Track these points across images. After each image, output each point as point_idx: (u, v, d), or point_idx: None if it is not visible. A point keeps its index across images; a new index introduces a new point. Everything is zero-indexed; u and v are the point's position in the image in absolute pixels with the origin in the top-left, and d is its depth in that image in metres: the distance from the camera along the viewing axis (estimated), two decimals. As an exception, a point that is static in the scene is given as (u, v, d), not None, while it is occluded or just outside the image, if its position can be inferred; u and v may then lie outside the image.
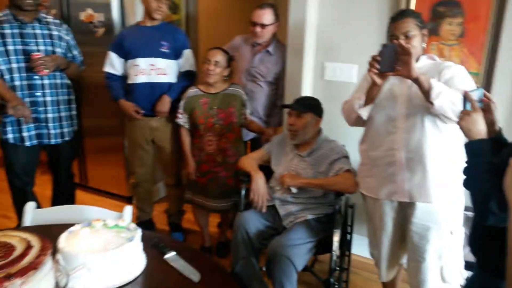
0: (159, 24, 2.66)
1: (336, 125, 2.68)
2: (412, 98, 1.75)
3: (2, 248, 0.97)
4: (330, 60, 2.67)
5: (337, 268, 2.11)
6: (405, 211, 1.86)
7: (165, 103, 2.65)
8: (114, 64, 2.67)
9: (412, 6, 2.32)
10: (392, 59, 1.65)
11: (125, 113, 2.68)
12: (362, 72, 2.57)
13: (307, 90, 2.73)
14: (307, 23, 2.56)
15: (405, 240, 1.92)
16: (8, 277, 0.88)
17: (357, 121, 1.94)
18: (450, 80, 1.70)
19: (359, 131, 2.63)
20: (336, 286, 2.12)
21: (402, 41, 1.63)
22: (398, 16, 1.78)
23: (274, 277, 1.91)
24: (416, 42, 1.74)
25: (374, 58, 1.68)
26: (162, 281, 1.28)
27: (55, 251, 1.22)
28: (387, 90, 1.82)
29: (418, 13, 1.84)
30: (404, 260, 2.04)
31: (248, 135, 2.88)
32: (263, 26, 2.62)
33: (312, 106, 2.20)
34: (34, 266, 0.93)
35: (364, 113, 1.87)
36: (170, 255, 1.37)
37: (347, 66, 2.61)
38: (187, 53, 2.74)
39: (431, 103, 1.61)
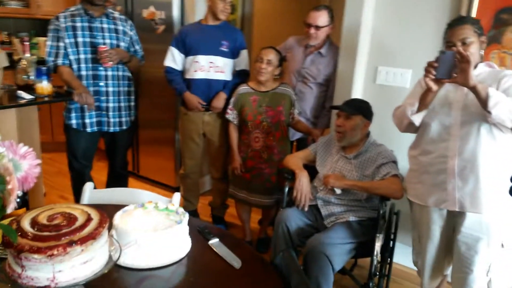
0: (221, 24, 2.75)
1: (386, 130, 2.64)
2: (468, 105, 1.71)
3: (66, 218, 1.06)
4: (383, 64, 2.64)
5: (377, 274, 2.09)
6: (454, 220, 1.82)
7: (221, 99, 2.75)
8: (175, 59, 2.78)
9: (474, 12, 2.25)
10: (449, 66, 1.62)
11: (190, 105, 2.78)
12: (416, 78, 2.52)
13: (357, 94, 2.71)
14: (362, 26, 2.54)
15: (451, 250, 1.87)
16: (71, 243, 0.97)
17: (409, 127, 1.91)
18: (510, 89, 1.65)
19: (409, 137, 2.59)
20: (375, 292, 2.10)
21: (460, 48, 1.60)
22: (456, 22, 1.75)
23: (311, 273, 1.92)
24: (474, 49, 1.70)
25: (431, 64, 1.66)
26: (205, 265, 1.34)
27: (110, 227, 1.32)
28: (442, 96, 1.78)
29: (476, 19, 1.80)
30: (448, 271, 1.98)
31: (295, 135, 2.90)
32: (317, 28, 2.62)
33: (361, 109, 2.19)
34: (93, 236, 1.02)
35: (417, 119, 1.83)
36: (214, 241, 1.43)
37: (400, 71, 2.57)
38: (244, 53, 2.82)
39: (489, 112, 1.57)
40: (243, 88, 2.67)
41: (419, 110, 1.81)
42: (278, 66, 2.60)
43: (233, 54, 2.79)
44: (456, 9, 2.32)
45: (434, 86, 1.68)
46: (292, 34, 3.01)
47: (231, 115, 2.69)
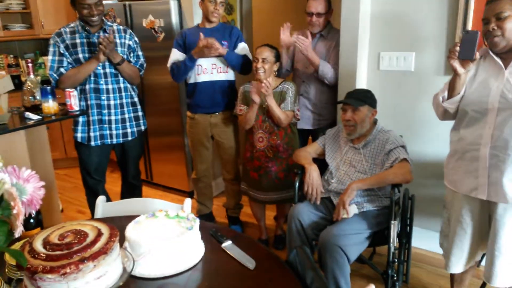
0: (217, 26, 2.77)
1: (394, 116, 2.63)
2: (506, 92, 1.63)
3: (77, 235, 1.08)
4: (385, 49, 2.61)
5: (395, 261, 2.08)
6: (489, 207, 1.78)
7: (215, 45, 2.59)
8: (178, 59, 2.77)
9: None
10: (473, 46, 1.58)
11: (200, 52, 2.61)
12: (420, 60, 2.49)
13: (362, 82, 2.69)
14: (361, 12, 2.51)
15: (485, 237, 1.84)
16: (82, 260, 0.99)
17: (445, 115, 1.86)
18: None
19: (416, 123, 2.57)
20: (395, 278, 2.08)
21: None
22: None
23: (326, 267, 1.91)
24: (511, 24, 1.58)
25: (455, 45, 1.62)
26: (219, 268, 1.35)
27: (123, 240, 1.34)
28: (480, 82, 1.72)
29: None
30: (478, 257, 1.95)
31: (307, 124, 2.88)
32: (318, 15, 2.67)
33: (367, 98, 2.17)
34: (104, 251, 1.03)
35: (450, 106, 1.78)
36: (227, 243, 1.44)
37: (403, 54, 2.54)
38: (242, 45, 2.82)
39: None
40: (247, 86, 2.67)
41: (450, 96, 1.76)
42: (276, 62, 2.59)
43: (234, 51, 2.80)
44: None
45: (460, 68, 1.64)
46: (292, 30, 3.00)
47: (244, 110, 2.68)
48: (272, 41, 2.85)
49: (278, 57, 2.62)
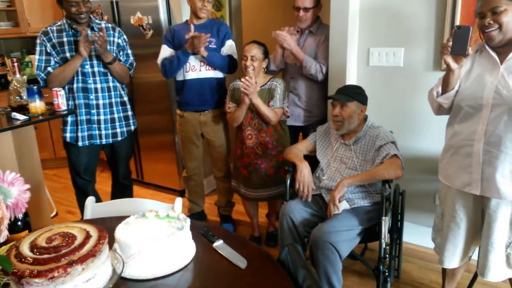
0: (206, 22, 2.75)
1: (384, 113, 2.64)
2: (500, 88, 1.63)
3: (65, 238, 1.06)
4: (375, 45, 2.62)
5: (387, 256, 2.09)
6: (482, 202, 1.79)
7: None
8: (167, 55, 2.75)
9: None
10: (465, 42, 1.58)
11: (191, 44, 2.57)
12: (409, 56, 2.50)
13: (351, 79, 2.69)
14: (350, 7, 2.51)
15: (475, 230, 1.85)
16: (71, 263, 0.97)
17: (440, 110, 1.86)
18: None
19: (406, 118, 2.59)
20: (386, 274, 2.09)
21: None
22: None
23: (318, 263, 1.92)
24: (507, 18, 1.58)
25: (447, 40, 1.62)
26: (211, 268, 1.34)
27: (113, 241, 1.32)
28: (475, 77, 1.72)
29: None
30: (471, 252, 1.96)
31: (296, 121, 2.87)
32: (306, 9, 2.65)
33: (356, 94, 2.17)
34: (93, 253, 1.02)
35: (444, 101, 1.78)
36: (218, 243, 1.43)
37: (393, 50, 2.55)
38: (229, 42, 2.79)
39: None
40: (236, 83, 2.65)
41: (444, 91, 1.76)
42: (264, 59, 2.57)
43: (221, 48, 2.78)
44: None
45: (453, 64, 1.64)
46: (280, 25, 2.98)
47: (232, 107, 2.66)
48: (262, 38, 2.84)
49: (266, 54, 2.60)
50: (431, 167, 2.56)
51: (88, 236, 1.07)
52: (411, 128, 2.59)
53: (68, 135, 2.58)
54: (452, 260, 1.93)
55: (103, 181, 3.64)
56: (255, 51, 2.52)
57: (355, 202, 2.10)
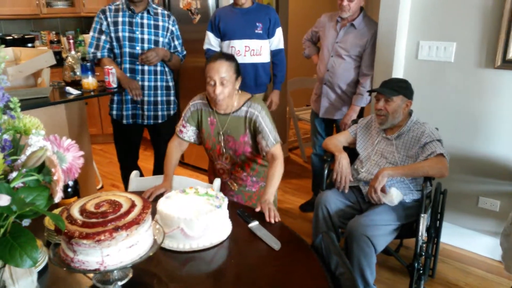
0: (253, 6, 2.77)
1: (430, 108, 2.56)
2: None
3: (112, 205, 1.12)
4: (425, 38, 2.53)
5: (423, 254, 2.05)
6: None
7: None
8: (212, 43, 2.83)
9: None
10: None
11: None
12: (461, 51, 2.41)
13: (399, 71, 2.63)
14: (401, -1, 2.45)
15: None
16: (116, 228, 1.03)
17: None
18: None
19: (452, 115, 2.50)
20: (421, 272, 2.06)
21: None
22: None
23: (352, 256, 1.91)
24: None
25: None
26: (245, 247, 1.38)
27: (154, 213, 1.39)
28: None
29: None
30: None
31: (337, 114, 2.85)
32: None
33: (401, 88, 2.11)
34: (137, 221, 1.07)
35: None
36: (254, 224, 1.47)
37: (444, 44, 2.46)
38: (278, 31, 2.83)
39: None
40: (199, 102, 2.00)
41: None
42: (237, 77, 1.88)
43: (268, 34, 2.80)
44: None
45: None
46: (326, 10, 2.96)
47: (186, 133, 2.01)
48: (307, 20, 2.80)
49: (238, 70, 1.89)
50: (475, 168, 2.47)
51: (133, 205, 1.13)
52: (457, 126, 2.50)
53: (114, 112, 2.70)
54: None
55: (146, 159, 3.77)
56: (224, 72, 1.80)
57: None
